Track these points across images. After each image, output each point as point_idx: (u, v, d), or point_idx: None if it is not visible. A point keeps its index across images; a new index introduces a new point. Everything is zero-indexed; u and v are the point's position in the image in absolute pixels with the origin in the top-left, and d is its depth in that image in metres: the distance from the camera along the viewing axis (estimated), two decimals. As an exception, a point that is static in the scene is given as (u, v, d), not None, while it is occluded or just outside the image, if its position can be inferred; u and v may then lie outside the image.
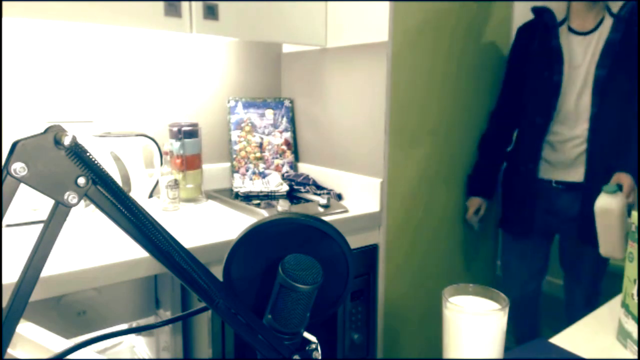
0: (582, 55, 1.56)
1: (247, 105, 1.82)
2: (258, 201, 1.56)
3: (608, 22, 1.54)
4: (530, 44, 1.65)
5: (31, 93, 1.43)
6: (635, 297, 0.75)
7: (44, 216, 1.17)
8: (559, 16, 1.61)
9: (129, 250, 1.05)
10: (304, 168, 1.88)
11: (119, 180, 1.45)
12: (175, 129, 1.55)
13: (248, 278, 0.50)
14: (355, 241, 1.48)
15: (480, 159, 1.82)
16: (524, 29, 1.72)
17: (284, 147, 1.86)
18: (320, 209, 1.46)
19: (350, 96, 1.61)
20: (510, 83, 1.75)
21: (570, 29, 1.59)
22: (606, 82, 1.50)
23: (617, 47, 1.49)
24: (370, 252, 1.51)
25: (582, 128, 1.57)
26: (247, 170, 1.78)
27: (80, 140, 0.38)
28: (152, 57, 1.64)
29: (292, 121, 1.89)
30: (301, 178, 1.74)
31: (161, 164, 1.53)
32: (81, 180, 0.38)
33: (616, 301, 0.95)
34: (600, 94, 1.51)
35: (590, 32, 1.56)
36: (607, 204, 1.36)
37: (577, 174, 1.61)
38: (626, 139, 1.51)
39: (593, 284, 1.69)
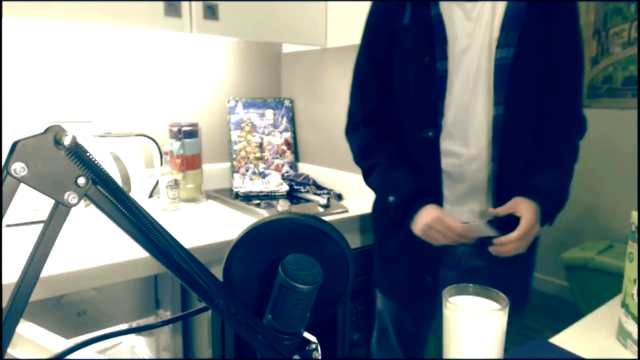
0: (469, 33, 1.02)
1: (247, 105, 1.82)
2: (258, 201, 1.56)
3: None
4: (398, 17, 1.06)
5: (31, 93, 1.42)
6: (635, 297, 0.75)
7: (44, 216, 1.17)
8: None
9: (129, 250, 1.05)
10: (304, 168, 1.88)
11: (119, 180, 1.44)
12: (175, 129, 1.55)
13: (248, 278, 0.50)
14: (355, 241, 1.48)
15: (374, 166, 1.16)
16: None
17: (284, 147, 1.86)
18: (320, 209, 1.46)
19: (350, 96, 1.61)
20: (368, 76, 1.16)
21: None
22: (513, 67, 0.99)
23: (524, 15, 0.99)
24: (370, 252, 1.51)
25: (483, 143, 1.04)
26: (247, 170, 1.78)
27: (80, 140, 0.38)
28: (152, 57, 1.64)
29: (292, 121, 1.89)
30: (301, 178, 1.74)
31: (161, 164, 1.53)
32: (81, 180, 0.38)
33: (616, 301, 0.95)
34: (507, 87, 1.00)
35: None
36: None
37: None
38: (542, 154, 1.06)
39: None
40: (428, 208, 1.03)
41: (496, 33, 1.00)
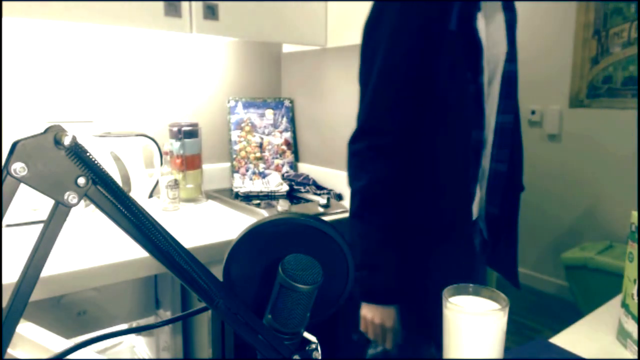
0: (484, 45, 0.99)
1: (247, 105, 1.81)
2: (258, 201, 1.56)
3: None
4: (442, 20, 0.92)
5: (31, 93, 1.42)
6: (635, 297, 0.75)
7: (44, 216, 1.17)
8: None
9: (129, 250, 1.05)
10: (304, 168, 1.88)
11: (119, 180, 1.44)
12: (175, 129, 1.55)
13: (248, 278, 0.50)
14: (355, 241, 1.48)
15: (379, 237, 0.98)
16: None
17: (284, 147, 1.86)
18: (320, 209, 1.46)
19: (350, 96, 1.61)
20: (408, 85, 0.95)
21: None
22: (516, 78, 1.05)
23: (515, 30, 1.05)
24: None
25: (490, 143, 1.07)
26: (247, 170, 1.78)
27: (80, 140, 0.38)
28: (152, 57, 1.64)
29: (292, 121, 1.89)
30: (301, 178, 1.74)
31: (161, 164, 1.53)
32: (81, 180, 0.38)
33: (616, 301, 0.95)
34: (509, 98, 1.04)
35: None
36: None
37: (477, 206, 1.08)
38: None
39: None
40: (393, 311, 1.00)
41: (502, 47, 1.02)
